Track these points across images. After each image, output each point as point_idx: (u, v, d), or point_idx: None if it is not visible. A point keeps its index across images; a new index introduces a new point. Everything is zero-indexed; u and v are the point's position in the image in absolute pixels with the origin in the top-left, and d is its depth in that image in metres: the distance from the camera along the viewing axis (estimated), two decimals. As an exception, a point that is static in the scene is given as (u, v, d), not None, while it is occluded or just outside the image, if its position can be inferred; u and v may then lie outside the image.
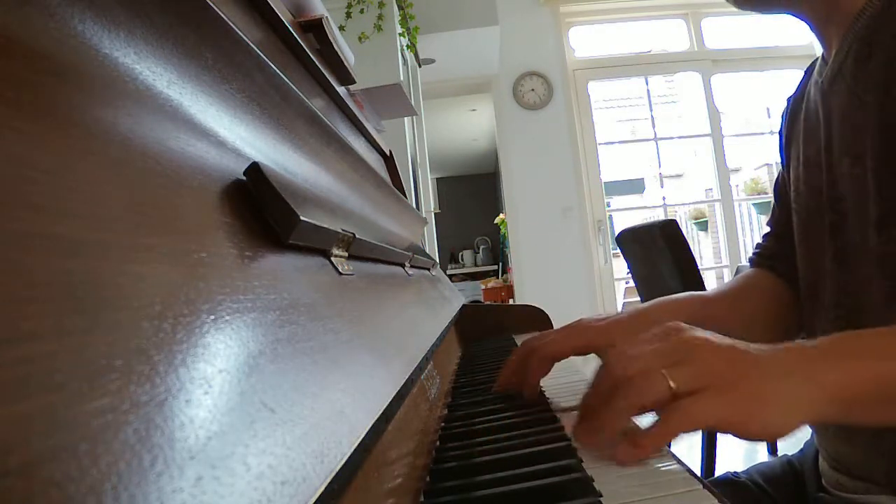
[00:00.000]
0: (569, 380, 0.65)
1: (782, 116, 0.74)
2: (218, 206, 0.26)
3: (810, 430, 0.68)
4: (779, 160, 0.77)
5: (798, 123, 0.68)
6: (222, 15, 0.33)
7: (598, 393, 0.41)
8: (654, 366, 0.39)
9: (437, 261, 1.91)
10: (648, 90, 4.07)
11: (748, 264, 0.80)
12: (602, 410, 0.39)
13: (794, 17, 0.63)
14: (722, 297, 0.75)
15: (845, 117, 0.57)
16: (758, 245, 0.79)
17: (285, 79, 0.43)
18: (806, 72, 0.69)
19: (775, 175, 0.79)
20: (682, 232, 1.78)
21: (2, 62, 0.17)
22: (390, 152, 1.20)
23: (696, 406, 0.37)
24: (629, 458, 0.37)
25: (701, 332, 0.42)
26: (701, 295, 0.75)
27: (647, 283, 2.03)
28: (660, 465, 0.37)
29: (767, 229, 0.79)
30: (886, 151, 0.52)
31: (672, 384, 0.38)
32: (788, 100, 0.73)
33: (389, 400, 0.32)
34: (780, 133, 0.74)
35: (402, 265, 0.71)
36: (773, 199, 0.78)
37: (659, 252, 1.80)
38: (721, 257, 4.07)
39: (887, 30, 0.52)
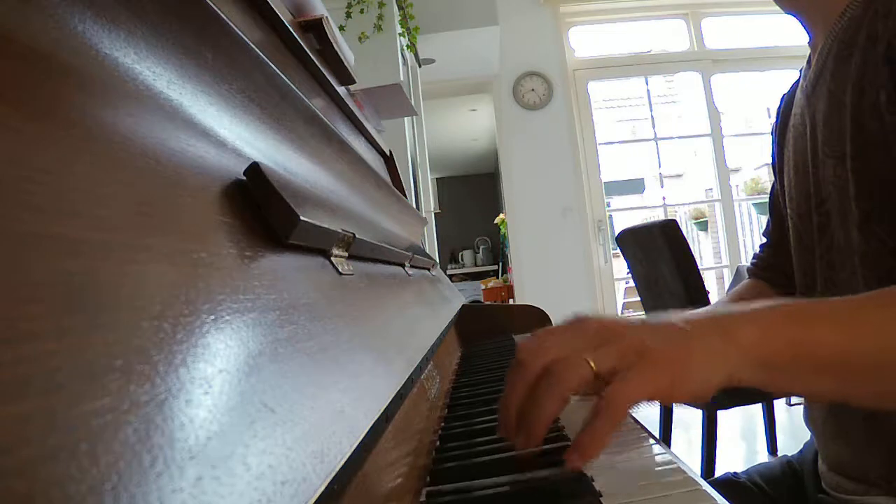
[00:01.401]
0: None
1: (777, 113, 0.74)
2: (218, 206, 0.26)
3: (809, 432, 0.68)
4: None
5: (788, 130, 0.68)
6: (222, 15, 0.33)
7: (518, 392, 0.37)
8: (571, 351, 0.37)
9: (437, 261, 1.90)
10: (648, 90, 4.07)
11: (746, 271, 0.82)
12: (529, 408, 0.37)
13: (791, 17, 0.63)
14: (734, 297, 0.76)
15: (827, 119, 0.57)
16: (755, 256, 0.81)
17: (285, 79, 0.43)
18: (800, 71, 0.69)
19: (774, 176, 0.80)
20: (682, 232, 1.78)
21: (2, 62, 0.17)
22: (390, 152, 1.20)
23: (624, 388, 0.35)
24: (580, 463, 0.35)
25: (611, 317, 0.40)
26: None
27: (647, 283, 2.03)
28: (660, 465, 0.37)
29: (764, 239, 0.80)
30: (862, 151, 0.52)
31: (593, 365, 0.36)
32: (782, 98, 0.73)
33: (389, 400, 0.32)
34: (773, 133, 0.75)
35: (402, 265, 0.71)
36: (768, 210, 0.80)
37: (659, 252, 1.80)
38: (721, 257, 4.06)
39: (865, 31, 0.52)
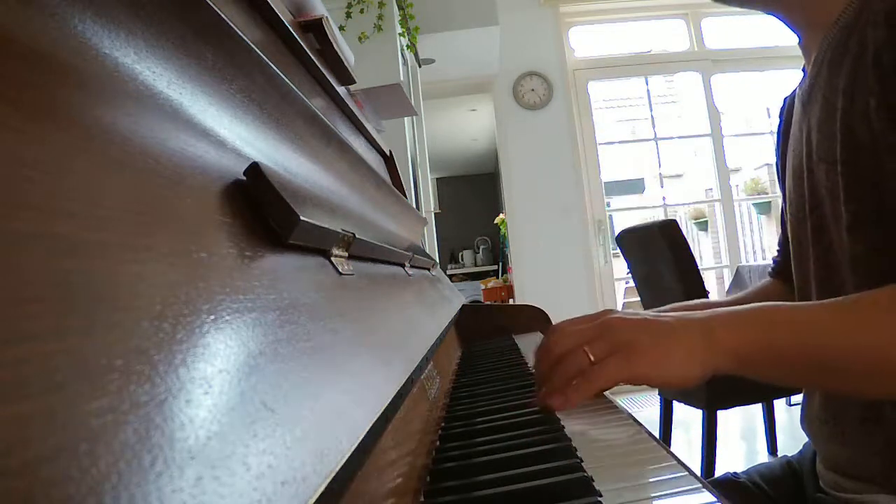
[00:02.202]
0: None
1: (780, 115, 0.74)
2: (218, 206, 0.26)
3: (806, 435, 0.68)
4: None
5: (788, 137, 0.69)
6: (222, 15, 0.33)
7: (543, 371, 0.52)
8: (577, 345, 0.49)
9: (437, 261, 1.90)
10: (648, 90, 4.07)
11: (768, 272, 0.85)
12: (547, 385, 0.50)
13: (780, 21, 0.63)
14: (732, 301, 0.78)
15: (821, 125, 0.58)
16: (773, 259, 0.85)
17: (285, 79, 0.43)
18: (803, 70, 0.69)
19: (775, 175, 0.81)
20: (682, 232, 1.78)
21: (2, 62, 0.17)
22: (390, 152, 1.20)
23: (608, 366, 0.47)
24: (561, 406, 0.48)
25: (620, 313, 0.51)
26: (711, 301, 0.79)
27: (647, 283, 2.03)
28: (660, 465, 0.38)
29: (769, 235, 0.83)
30: (852, 156, 0.53)
31: (591, 357, 0.48)
32: (785, 100, 0.73)
33: (389, 400, 0.32)
34: (778, 134, 0.75)
35: (402, 265, 0.71)
36: (779, 210, 0.82)
37: (659, 252, 1.80)
38: (721, 257, 4.06)
39: (856, 37, 0.52)
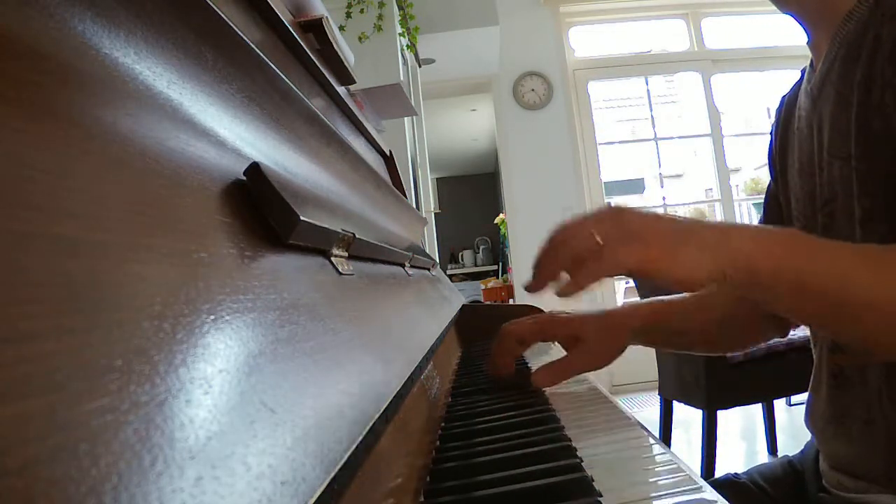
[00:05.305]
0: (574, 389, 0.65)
1: (776, 114, 0.74)
2: (218, 206, 0.26)
3: (810, 433, 0.68)
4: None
5: (791, 133, 0.68)
6: (222, 15, 0.33)
7: (545, 253, 0.50)
8: (585, 227, 0.47)
9: (437, 261, 1.90)
10: (648, 90, 4.07)
11: None
12: (546, 262, 0.49)
13: (791, 17, 0.63)
14: (690, 298, 0.75)
15: (834, 121, 0.57)
16: None
17: (285, 79, 0.43)
18: (802, 72, 0.69)
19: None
20: (682, 232, 1.77)
21: (2, 62, 0.17)
22: (390, 152, 1.20)
23: (618, 251, 0.45)
24: (569, 290, 0.48)
25: (636, 209, 0.49)
26: (665, 298, 0.76)
27: (646, 283, 2.03)
28: (660, 465, 0.38)
29: None
30: (867, 149, 0.53)
31: (598, 239, 0.46)
32: (782, 99, 0.73)
33: (389, 400, 0.32)
34: (772, 134, 0.74)
35: (402, 265, 0.71)
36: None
37: (659, 252, 1.79)
38: (721, 257, 4.06)
39: (872, 32, 0.53)
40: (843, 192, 0.57)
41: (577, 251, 0.47)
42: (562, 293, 0.48)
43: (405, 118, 2.48)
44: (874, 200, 0.53)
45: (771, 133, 0.75)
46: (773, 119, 0.75)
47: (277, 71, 0.42)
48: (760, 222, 0.79)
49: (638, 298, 2.27)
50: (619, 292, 4.01)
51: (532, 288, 0.50)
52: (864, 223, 0.54)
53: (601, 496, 0.33)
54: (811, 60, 0.64)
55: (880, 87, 0.51)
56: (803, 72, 0.69)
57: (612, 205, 0.50)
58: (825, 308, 0.46)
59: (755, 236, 0.46)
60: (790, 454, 0.74)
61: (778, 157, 0.73)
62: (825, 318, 0.48)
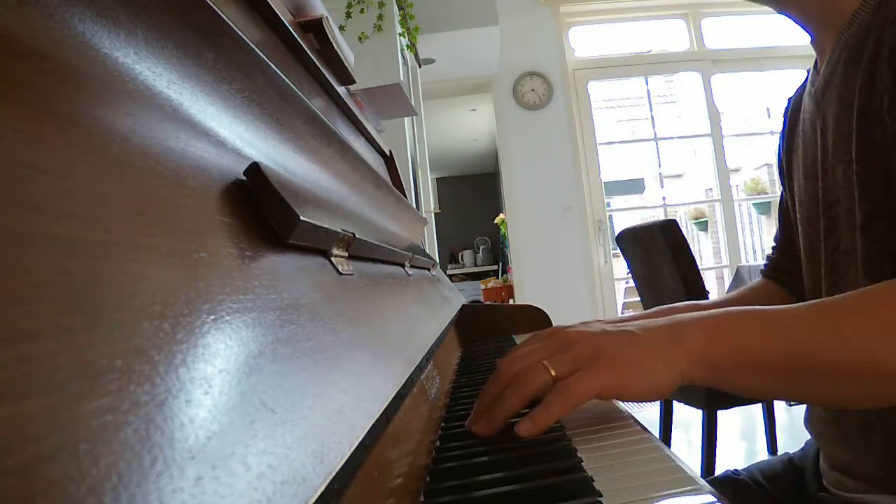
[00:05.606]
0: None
1: (783, 118, 0.74)
2: (218, 206, 0.26)
3: (810, 434, 0.68)
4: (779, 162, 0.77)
5: (796, 136, 0.68)
6: (222, 15, 0.33)
7: (490, 393, 0.46)
8: (535, 360, 0.45)
9: (437, 261, 1.91)
10: (648, 90, 4.07)
11: (760, 272, 0.83)
12: (496, 406, 0.44)
13: (792, 21, 0.63)
14: (720, 302, 0.77)
15: (837, 124, 0.57)
16: (767, 257, 0.83)
17: (285, 79, 0.43)
18: (807, 73, 0.69)
19: (776, 175, 0.80)
20: (682, 232, 1.78)
21: (2, 62, 0.17)
22: (390, 152, 1.20)
23: (576, 382, 0.42)
24: (527, 433, 0.42)
25: (579, 328, 0.47)
26: (698, 303, 0.77)
27: (647, 283, 2.03)
28: (660, 464, 0.37)
29: (769, 235, 0.81)
30: (867, 154, 0.53)
31: (552, 371, 0.43)
32: (789, 100, 0.73)
33: (389, 400, 0.32)
34: (782, 137, 0.75)
35: (402, 265, 0.71)
36: (777, 215, 0.81)
37: (659, 252, 1.80)
38: (721, 257, 4.06)
39: (874, 35, 0.52)
40: (846, 197, 0.57)
41: (533, 388, 0.44)
42: (523, 434, 0.42)
43: (405, 118, 2.48)
44: (874, 206, 0.53)
45: (780, 136, 0.75)
46: (783, 122, 0.75)
47: (277, 71, 0.42)
48: (776, 235, 0.81)
49: (638, 298, 2.27)
50: (619, 292, 4.02)
51: (484, 431, 0.44)
52: (865, 228, 0.54)
53: (601, 496, 0.33)
54: (815, 62, 0.64)
55: (880, 93, 0.50)
56: (808, 73, 0.69)
57: (553, 328, 0.48)
58: (792, 378, 0.45)
59: (700, 328, 0.45)
60: (791, 452, 0.74)
61: (785, 161, 0.73)
62: (796, 389, 0.46)
